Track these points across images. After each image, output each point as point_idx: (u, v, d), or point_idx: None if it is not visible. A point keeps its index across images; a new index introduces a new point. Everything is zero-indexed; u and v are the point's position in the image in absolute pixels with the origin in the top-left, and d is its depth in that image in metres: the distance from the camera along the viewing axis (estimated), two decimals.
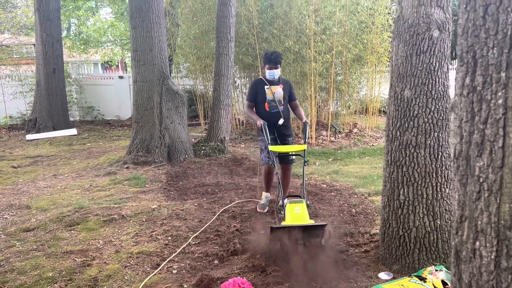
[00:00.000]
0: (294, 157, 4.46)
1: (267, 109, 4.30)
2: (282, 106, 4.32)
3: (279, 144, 4.36)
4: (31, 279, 3.05)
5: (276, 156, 4.14)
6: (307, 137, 4.26)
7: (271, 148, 4.03)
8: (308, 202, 3.97)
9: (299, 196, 3.86)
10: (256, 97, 4.35)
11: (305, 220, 3.26)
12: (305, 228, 3.14)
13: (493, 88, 1.22)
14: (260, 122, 4.16)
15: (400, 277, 2.82)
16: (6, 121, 12.22)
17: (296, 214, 3.30)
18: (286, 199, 3.91)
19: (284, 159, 4.41)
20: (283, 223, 3.31)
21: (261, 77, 4.43)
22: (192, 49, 10.01)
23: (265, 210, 4.45)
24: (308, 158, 4.16)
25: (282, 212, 4.03)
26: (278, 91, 4.30)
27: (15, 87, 12.26)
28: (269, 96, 4.29)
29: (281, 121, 4.28)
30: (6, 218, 4.45)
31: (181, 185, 5.68)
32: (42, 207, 4.75)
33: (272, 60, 4.18)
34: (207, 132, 8.11)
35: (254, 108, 4.42)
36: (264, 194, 4.60)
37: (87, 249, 3.57)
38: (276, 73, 4.26)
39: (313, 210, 4.44)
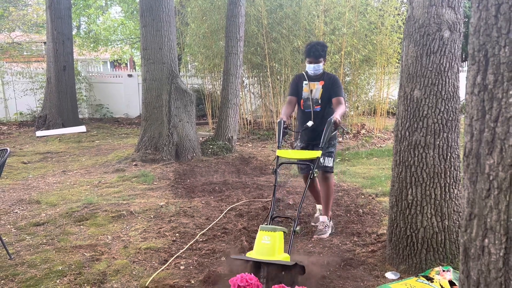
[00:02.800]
0: (305, 166, 3.73)
1: (302, 108, 3.77)
2: (318, 106, 3.71)
3: (306, 148, 3.77)
4: (41, 272, 3.09)
5: (280, 164, 3.44)
6: (324, 140, 3.38)
7: (278, 152, 3.40)
8: (297, 229, 3.23)
9: (291, 219, 3.26)
10: (297, 92, 3.80)
11: (272, 254, 2.64)
12: (267, 265, 2.60)
13: (504, 87, 1.23)
14: (279, 119, 3.62)
15: (407, 277, 2.82)
16: (17, 117, 12.37)
17: (263, 245, 2.68)
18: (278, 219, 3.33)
19: (299, 167, 3.86)
20: (248, 254, 2.79)
21: (303, 72, 3.86)
22: (201, 48, 10.06)
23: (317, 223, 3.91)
24: (316, 170, 3.42)
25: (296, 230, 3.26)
26: (316, 88, 3.71)
27: (25, 84, 12.41)
28: (305, 93, 3.74)
29: (309, 123, 3.61)
30: (16, 212, 4.52)
31: (189, 183, 5.71)
32: (52, 202, 4.80)
33: (312, 53, 3.62)
34: (215, 131, 8.14)
35: (296, 105, 3.86)
36: (321, 218, 3.87)
37: (96, 244, 3.61)
38: (317, 67, 3.66)
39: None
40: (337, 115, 3.46)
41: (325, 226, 3.83)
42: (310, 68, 3.70)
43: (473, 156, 1.32)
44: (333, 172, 3.82)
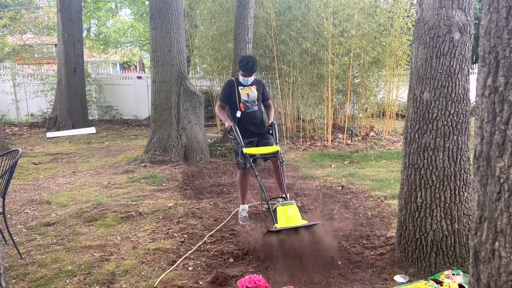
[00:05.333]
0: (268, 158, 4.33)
1: (243, 109, 4.30)
2: (256, 106, 4.36)
3: (256, 146, 4.31)
4: (51, 271, 3.12)
5: (252, 158, 4.03)
6: (277, 137, 4.24)
7: (245, 150, 3.98)
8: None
9: (284, 198, 3.83)
10: (229, 98, 4.34)
11: (299, 221, 3.28)
12: (300, 229, 3.18)
13: None
14: (228, 123, 4.16)
15: (416, 280, 2.80)
16: (28, 118, 12.51)
17: (290, 216, 3.32)
18: (272, 200, 3.88)
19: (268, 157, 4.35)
20: (278, 226, 3.31)
21: (233, 78, 4.45)
22: (209, 50, 10.10)
23: (250, 221, 4.23)
24: (284, 159, 4.12)
25: (269, 213, 3.81)
26: (252, 91, 4.34)
27: (36, 86, 12.56)
28: (243, 96, 4.32)
29: (238, 113, 4.26)
30: (27, 212, 4.57)
31: (197, 184, 5.73)
32: (62, 203, 4.85)
33: (248, 69, 4.22)
34: (223, 133, 8.16)
35: (225, 109, 4.42)
36: (242, 206, 4.37)
37: (105, 245, 3.64)
38: (250, 80, 4.30)
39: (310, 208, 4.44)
40: (273, 119, 4.38)
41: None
42: (245, 80, 4.31)
43: (484, 159, 1.31)
44: None
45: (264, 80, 4.70)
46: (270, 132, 4.36)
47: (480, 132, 1.32)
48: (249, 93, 4.34)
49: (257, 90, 4.37)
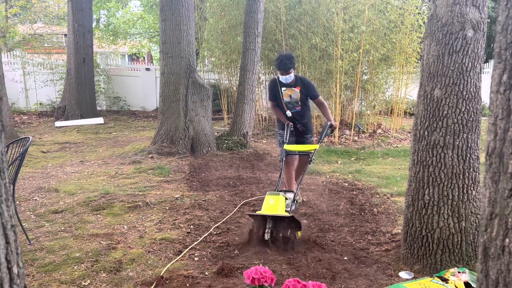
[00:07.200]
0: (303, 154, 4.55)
1: (285, 109, 4.44)
2: (299, 107, 4.43)
3: (295, 142, 4.50)
4: (59, 258, 3.17)
5: (287, 155, 4.28)
6: (323, 138, 4.37)
7: (286, 147, 4.21)
8: (297, 198, 4.21)
9: (291, 191, 4.10)
10: (276, 97, 4.44)
11: (276, 211, 3.46)
12: (274, 218, 3.38)
13: None
14: (288, 123, 4.38)
15: (421, 277, 2.80)
16: (37, 107, 12.60)
17: (270, 205, 3.53)
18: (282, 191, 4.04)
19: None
20: (258, 212, 3.54)
21: (275, 77, 4.46)
22: (218, 43, 10.08)
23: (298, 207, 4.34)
24: (314, 158, 4.40)
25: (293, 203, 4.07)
26: (295, 93, 4.37)
27: (46, 75, 12.62)
28: (286, 98, 4.40)
29: (288, 113, 4.40)
30: (36, 200, 4.62)
31: (204, 177, 5.76)
32: (70, 191, 4.90)
33: (282, 67, 4.21)
34: (230, 126, 8.17)
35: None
36: (288, 195, 4.18)
37: (112, 233, 3.68)
38: (289, 77, 4.27)
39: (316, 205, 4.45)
40: (333, 120, 4.42)
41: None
42: (283, 79, 4.30)
43: (496, 155, 1.30)
44: None
45: (307, 78, 4.84)
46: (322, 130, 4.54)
47: (494, 128, 1.32)
48: (291, 94, 4.38)
49: (300, 91, 4.36)
